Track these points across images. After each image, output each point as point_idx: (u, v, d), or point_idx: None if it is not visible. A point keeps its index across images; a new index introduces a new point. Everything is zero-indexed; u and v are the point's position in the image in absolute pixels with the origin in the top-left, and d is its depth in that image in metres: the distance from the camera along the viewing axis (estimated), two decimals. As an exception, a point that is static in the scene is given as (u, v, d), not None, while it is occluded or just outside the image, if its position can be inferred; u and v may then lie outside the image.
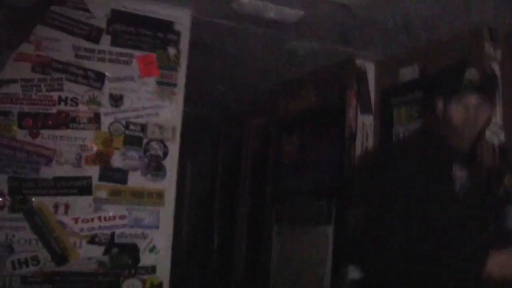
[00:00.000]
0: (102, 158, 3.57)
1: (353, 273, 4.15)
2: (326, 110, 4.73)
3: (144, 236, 3.59)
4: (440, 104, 2.47)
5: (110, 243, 3.51)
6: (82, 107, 3.55)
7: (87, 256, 3.47)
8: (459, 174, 2.39)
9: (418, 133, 2.81)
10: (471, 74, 2.44)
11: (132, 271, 3.55)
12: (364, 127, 4.47)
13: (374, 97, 4.49)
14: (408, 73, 4.20)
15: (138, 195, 3.62)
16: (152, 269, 3.60)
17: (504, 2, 3.30)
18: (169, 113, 3.73)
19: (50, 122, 3.48)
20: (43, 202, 3.41)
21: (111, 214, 3.54)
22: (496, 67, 3.53)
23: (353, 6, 3.54)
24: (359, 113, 4.47)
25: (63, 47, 3.55)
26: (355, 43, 4.21)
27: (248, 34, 4.08)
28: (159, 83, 3.71)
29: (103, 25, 3.64)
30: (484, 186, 2.80)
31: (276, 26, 3.89)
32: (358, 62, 4.49)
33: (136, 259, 3.57)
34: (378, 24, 3.79)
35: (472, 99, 2.40)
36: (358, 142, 4.45)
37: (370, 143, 4.45)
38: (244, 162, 5.86)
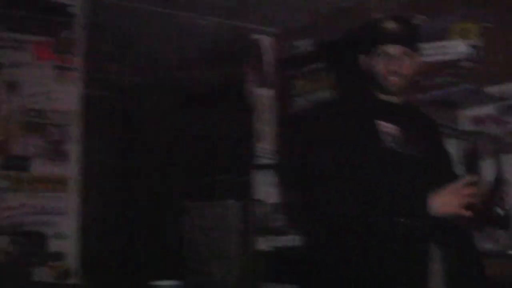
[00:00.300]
0: (1, 147, 3.48)
1: (260, 244, 4.26)
2: (227, 84, 4.76)
3: (49, 223, 3.55)
4: (362, 59, 2.46)
5: (15, 232, 3.44)
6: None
7: (-8, 247, 3.39)
8: (388, 127, 2.36)
9: (341, 93, 2.88)
10: (391, 24, 2.43)
11: (40, 259, 3.49)
12: (263, 100, 4.52)
13: (272, 70, 4.54)
14: (303, 45, 4.29)
15: (41, 182, 3.55)
16: (61, 256, 3.56)
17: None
18: (67, 97, 3.67)
19: None
20: None
21: (14, 202, 3.47)
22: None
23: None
24: (257, 86, 4.51)
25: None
26: (252, 18, 4.25)
27: (145, 12, 4.05)
28: (56, 67, 3.65)
29: (-5, 11, 3.54)
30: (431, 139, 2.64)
31: (172, 4, 3.87)
32: (255, 36, 4.54)
33: (44, 246, 3.51)
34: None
35: (394, 49, 2.39)
36: (257, 115, 4.49)
37: (270, 115, 4.51)
38: (150, 138, 5.80)
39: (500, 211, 2.38)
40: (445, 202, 2.15)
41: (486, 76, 3.27)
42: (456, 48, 3.39)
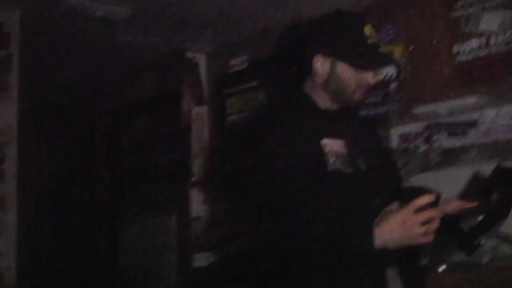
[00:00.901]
0: None
1: (199, 261, 4.31)
2: (164, 100, 4.81)
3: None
4: (322, 62, 2.26)
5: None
6: None
7: None
8: (332, 144, 2.20)
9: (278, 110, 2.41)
10: (369, 30, 2.27)
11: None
12: (198, 117, 4.58)
13: (207, 88, 4.62)
14: (238, 63, 4.38)
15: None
16: (-1, 275, 3.54)
17: None
18: (2, 116, 3.65)
19: None
20: None
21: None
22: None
23: (179, 1, 3.65)
24: (193, 103, 4.57)
25: None
26: (187, 36, 4.32)
27: (80, 30, 4.07)
28: (-9, 86, 3.63)
29: None
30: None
31: (108, 23, 3.91)
32: (190, 54, 4.60)
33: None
34: (207, 16, 3.93)
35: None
36: (194, 132, 4.55)
37: (206, 132, 4.58)
38: (96, 148, 5.77)
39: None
40: (396, 235, 1.89)
41: (412, 96, 3.42)
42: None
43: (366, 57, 2.26)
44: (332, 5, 3.32)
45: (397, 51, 3.46)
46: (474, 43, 3.13)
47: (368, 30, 2.25)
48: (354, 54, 2.24)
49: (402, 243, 1.90)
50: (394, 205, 2.01)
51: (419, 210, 1.88)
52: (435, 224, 1.88)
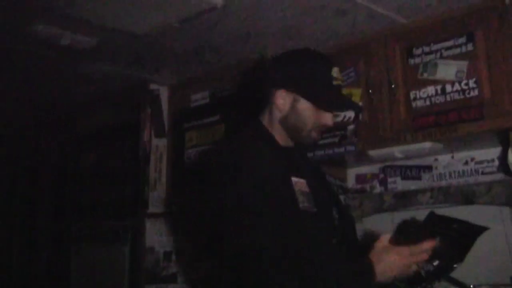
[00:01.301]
0: None
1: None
2: (123, 130, 4.80)
3: None
4: (283, 97, 2.27)
5: None
6: None
7: None
8: (298, 181, 2.18)
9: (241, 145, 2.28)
10: (336, 73, 2.32)
11: None
12: (157, 150, 4.58)
13: (167, 120, 4.62)
14: (199, 98, 4.40)
15: None
16: None
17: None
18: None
19: None
20: None
21: None
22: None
23: (144, 35, 3.67)
24: (152, 135, 4.57)
25: None
26: (149, 68, 4.34)
27: (43, 57, 4.05)
28: None
29: None
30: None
31: (71, 51, 3.91)
32: (152, 86, 4.60)
33: None
34: (170, 50, 3.96)
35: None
36: (152, 164, 4.54)
37: (164, 165, 4.57)
38: (42, 180, 5.71)
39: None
40: (397, 269, 2.01)
41: (369, 139, 3.48)
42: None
43: (330, 98, 2.28)
44: (296, 46, 3.43)
45: (356, 94, 3.52)
46: (430, 90, 3.21)
47: (335, 72, 2.28)
48: (319, 94, 2.26)
49: (398, 276, 2.02)
50: (381, 242, 2.08)
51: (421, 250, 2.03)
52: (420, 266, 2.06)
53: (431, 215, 2.48)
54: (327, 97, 2.28)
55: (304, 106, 2.26)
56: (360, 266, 2.01)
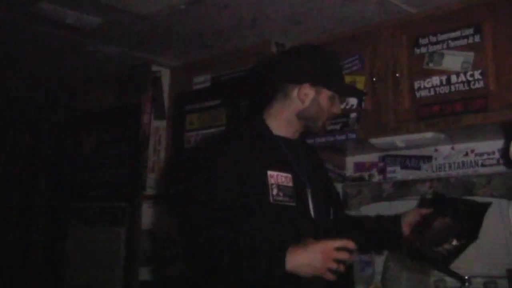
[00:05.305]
0: None
1: (144, 275, 4.28)
2: (123, 112, 4.79)
3: None
4: (308, 91, 2.39)
5: None
6: None
7: None
8: (277, 175, 2.29)
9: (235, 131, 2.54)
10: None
11: None
12: (157, 132, 4.58)
13: (168, 102, 4.61)
14: (201, 81, 4.40)
15: None
16: None
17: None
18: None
19: None
20: None
21: None
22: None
23: (149, 16, 3.67)
24: (152, 117, 4.57)
25: None
26: (152, 50, 4.34)
27: (48, 36, 4.04)
28: None
29: None
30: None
31: (76, 30, 3.90)
32: (154, 67, 4.59)
33: None
34: (174, 32, 3.96)
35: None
36: (150, 146, 4.54)
37: (163, 147, 4.57)
38: (40, 160, 5.68)
39: None
40: (309, 262, 2.01)
41: (371, 127, 3.50)
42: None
43: (346, 87, 2.53)
44: (302, 32, 3.44)
45: (360, 81, 3.53)
46: (435, 80, 3.22)
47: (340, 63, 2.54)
48: (339, 84, 2.46)
49: (312, 271, 2.01)
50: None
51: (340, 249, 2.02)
52: (341, 267, 2.02)
53: (436, 196, 2.60)
54: (344, 86, 2.52)
55: (324, 96, 2.41)
56: (271, 257, 2.04)
